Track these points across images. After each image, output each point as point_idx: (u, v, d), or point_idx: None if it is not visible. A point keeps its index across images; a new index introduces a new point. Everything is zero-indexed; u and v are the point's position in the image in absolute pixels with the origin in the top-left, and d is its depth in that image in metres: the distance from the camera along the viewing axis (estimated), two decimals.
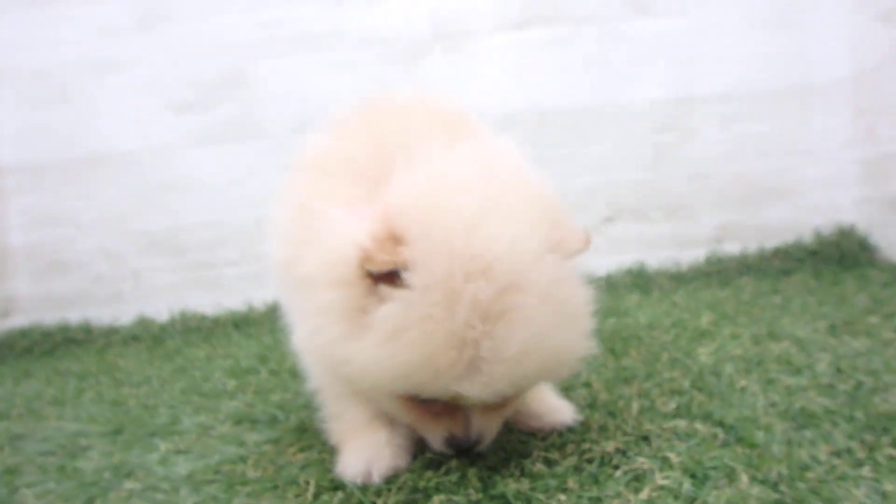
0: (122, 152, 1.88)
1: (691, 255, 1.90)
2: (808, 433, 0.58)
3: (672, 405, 0.71)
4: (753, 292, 1.50)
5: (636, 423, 0.66)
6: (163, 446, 0.78)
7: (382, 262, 0.48)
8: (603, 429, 0.66)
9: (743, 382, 0.77)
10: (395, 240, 0.49)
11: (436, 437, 0.57)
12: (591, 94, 1.90)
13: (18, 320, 1.88)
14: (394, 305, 0.48)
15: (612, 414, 0.70)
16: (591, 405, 0.74)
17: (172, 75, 1.87)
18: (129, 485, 0.66)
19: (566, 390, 0.81)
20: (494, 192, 0.52)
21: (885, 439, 0.55)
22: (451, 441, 0.57)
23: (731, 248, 1.90)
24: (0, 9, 1.86)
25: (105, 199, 1.89)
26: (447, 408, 0.55)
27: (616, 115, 1.90)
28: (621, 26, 1.88)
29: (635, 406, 0.71)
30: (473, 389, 0.48)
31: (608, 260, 1.92)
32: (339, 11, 1.87)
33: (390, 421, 0.63)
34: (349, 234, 0.51)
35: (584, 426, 0.68)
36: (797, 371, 0.79)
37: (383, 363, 0.48)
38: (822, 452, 0.54)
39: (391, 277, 0.49)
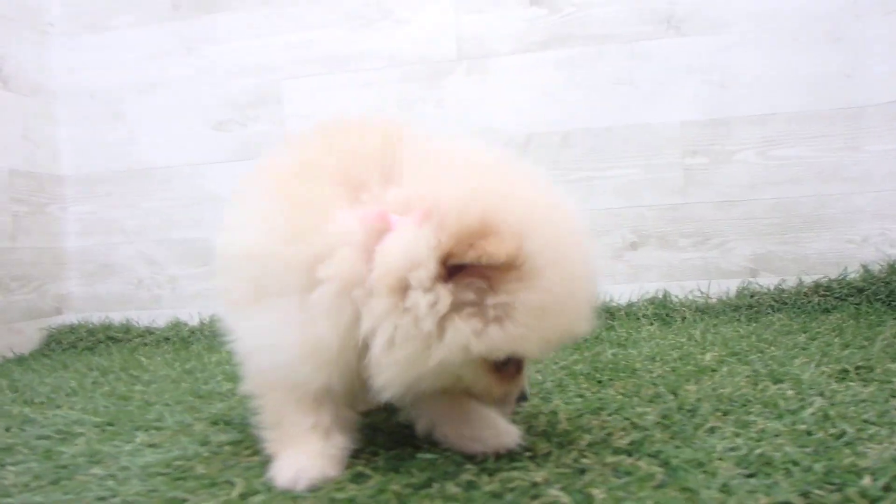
0: (165, 166, 2.04)
1: (722, 286, 1.80)
2: (753, 481, 0.54)
3: (627, 440, 0.67)
4: (780, 330, 1.40)
5: (579, 456, 0.64)
6: (140, 439, 0.83)
7: (496, 255, 0.53)
8: (544, 458, 0.64)
9: (715, 423, 0.72)
10: (483, 233, 0.54)
11: (509, 398, 0.66)
12: (618, 115, 1.86)
13: (70, 318, 2.04)
14: (531, 290, 0.55)
15: (561, 445, 0.68)
16: (545, 433, 0.72)
17: (212, 95, 2.01)
18: (94, 470, 0.71)
19: (530, 417, 0.79)
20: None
21: (835, 496, 0.50)
22: (518, 396, 0.67)
23: (768, 281, 1.78)
24: (60, 34, 2.08)
25: (148, 209, 2.04)
26: (515, 368, 0.63)
27: (643, 136, 1.85)
28: (650, 44, 1.84)
29: (587, 438, 0.68)
30: (585, 327, 0.61)
31: (630, 287, 1.86)
32: (367, 33, 1.95)
33: (327, 433, 0.64)
34: (408, 238, 0.56)
35: (531, 454, 0.66)
36: (780, 416, 0.73)
37: (530, 336, 0.56)
38: (757, 503, 0.50)
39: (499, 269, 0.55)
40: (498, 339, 0.56)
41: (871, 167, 1.73)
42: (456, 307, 0.55)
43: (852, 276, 1.70)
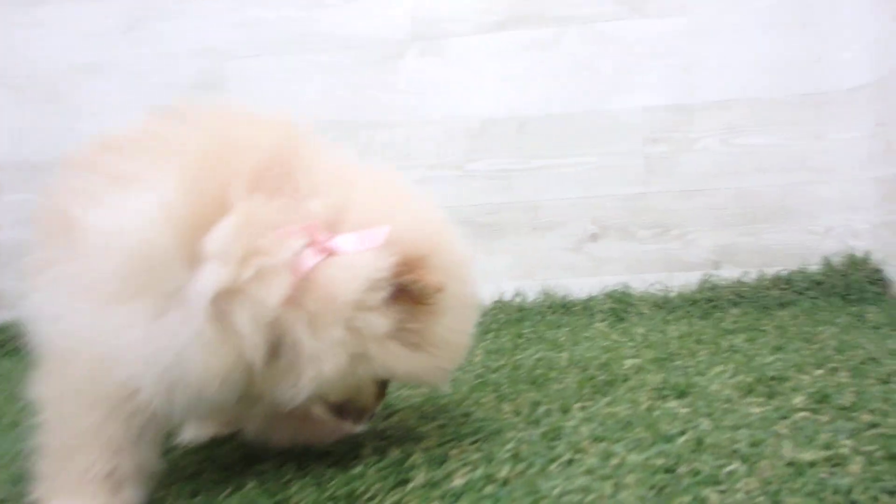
0: None
1: (684, 279, 1.71)
2: None
3: (464, 480, 0.60)
4: (725, 328, 1.31)
5: (397, 501, 0.56)
6: None
7: (430, 286, 0.57)
8: (368, 502, 0.57)
9: (577, 455, 0.64)
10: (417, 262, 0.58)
11: (371, 414, 0.67)
12: (577, 101, 1.76)
13: (3, 316, 1.97)
14: (440, 323, 0.60)
15: (394, 485, 0.60)
16: (388, 468, 0.64)
17: (153, 77, 1.91)
18: None
19: (384, 448, 0.71)
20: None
21: None
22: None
23: (731, 273, 1.69)
24: None
25: None
26: (383, 389, 0.68)
27: (604, 123, 1.75)
28: (612, 27, 1.73)
29: (423, 478, 0.61)
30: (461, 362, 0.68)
31: (590, 281, 1.77)
32: (317, 13, 1.84)
33: (119, 485, 0.58)
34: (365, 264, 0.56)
35: (350, 500, 0.58)
36: (652, 444, 0.65)
37: (433, 364, 0.61)
38: None
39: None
40: (414, 364, 0.59)
41: (836, 156, 1.63)
42: (390, 330, 0.57)
43: (812, 268, 1.60)
